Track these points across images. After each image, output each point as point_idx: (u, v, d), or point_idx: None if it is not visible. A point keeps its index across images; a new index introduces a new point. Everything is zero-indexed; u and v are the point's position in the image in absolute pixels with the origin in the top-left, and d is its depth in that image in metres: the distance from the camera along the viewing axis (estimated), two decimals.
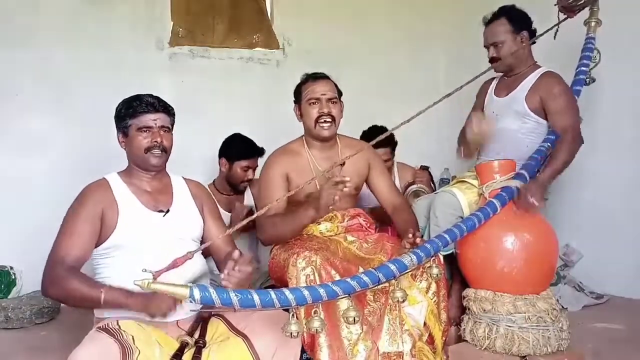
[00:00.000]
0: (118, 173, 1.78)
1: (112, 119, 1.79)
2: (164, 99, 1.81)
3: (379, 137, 1.89)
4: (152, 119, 1.73)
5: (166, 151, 1.76)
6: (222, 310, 1.63)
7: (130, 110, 1.73)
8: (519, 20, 2.33)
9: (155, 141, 1.72)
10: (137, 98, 1.75)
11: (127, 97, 1.79)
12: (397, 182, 3.05)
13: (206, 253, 1.86)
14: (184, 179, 1.90)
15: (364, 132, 2.94)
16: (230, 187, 2.82)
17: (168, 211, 1.73)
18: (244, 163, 2.74)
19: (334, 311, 1.76)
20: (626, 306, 2.57)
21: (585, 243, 2.82)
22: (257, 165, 2.78)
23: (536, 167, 2.15)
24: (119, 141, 1.79)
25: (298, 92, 2.19)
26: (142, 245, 1.64)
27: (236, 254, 1.47)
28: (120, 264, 1.63)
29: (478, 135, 2.26)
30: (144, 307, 1.50)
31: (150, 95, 1.77)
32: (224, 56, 3.49)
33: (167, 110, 1.79)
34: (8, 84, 2.99)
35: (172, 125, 1.82)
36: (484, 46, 2.40)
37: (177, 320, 1.61)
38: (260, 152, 2.76)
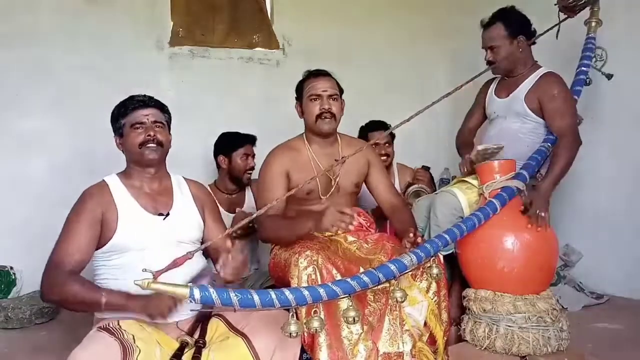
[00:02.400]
0: (117, 174, 1.77)
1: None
2: (164, 98, 1.82)
3: (378, 136, 1.88)
4: (144, 114, 1.73)
5: (162, 145, 1.74)
6: (222, 310, 1.63)
7: (123, 109, 1.75)
8: (515, 25, 2.32)
9: (149, 135, 1.71)
10: (129, 98, 1.77)
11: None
12: (396, 183, 3.04)
13: (207, 254, 1.86)
14: (185, 179, 1.88)
15: (362, 127, 2.96)
16: (236, 181, 2.84)
17: (168, 214, 1.72)
18: (241, 151, 2.80)
19: (335, 311, 1.76)
20: (626, 306, 2.56)
21: (585, 243, 2.82)
22: (254, 153, 2.84)
23: (536, 168, 2.15)
24: (116, 144, 1.79)
25: (300, 89, 2.18)
26: (141, 249, 1.63)
27: (228, 243, 1.52)
28: (119, 267, 1.63)
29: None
30: (143, 308, 1.49)
31: (142, 95, 1.78)
32: (224, 56, 3.49)
33: (160, 106, 1.79)
34: (8, 84, 2.99)
35: (168, 123, 1.81)
36: (482, 48, 2.40)
37: (177, 322, 1.61)
38: (251, 138, 2.85)
